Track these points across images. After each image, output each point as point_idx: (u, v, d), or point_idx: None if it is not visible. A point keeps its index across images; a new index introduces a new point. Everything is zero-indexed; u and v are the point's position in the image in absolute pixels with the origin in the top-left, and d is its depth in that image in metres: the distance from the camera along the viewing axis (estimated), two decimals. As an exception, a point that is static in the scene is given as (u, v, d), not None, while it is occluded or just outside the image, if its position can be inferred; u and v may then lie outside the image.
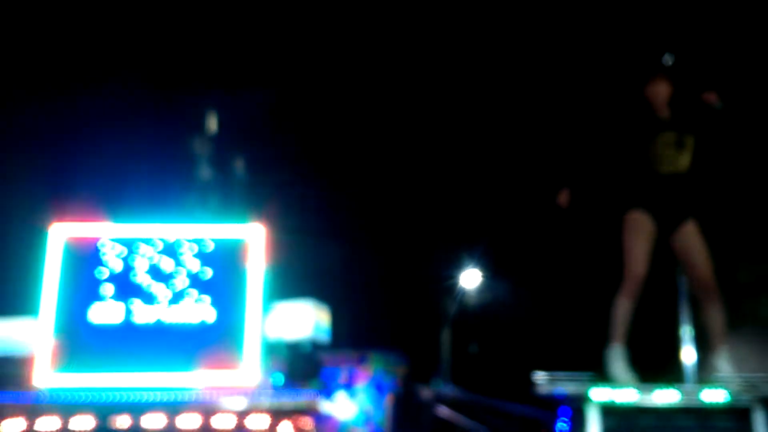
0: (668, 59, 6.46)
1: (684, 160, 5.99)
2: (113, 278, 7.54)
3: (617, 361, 5.81)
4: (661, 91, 6.06)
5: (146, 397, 6.92)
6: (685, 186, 6.00)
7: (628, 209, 6.01)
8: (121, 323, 7.42)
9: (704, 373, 6.09)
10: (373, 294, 16.91)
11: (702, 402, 5.66)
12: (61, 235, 7.62)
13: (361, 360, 13.01)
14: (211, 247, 7.74)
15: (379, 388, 12.65)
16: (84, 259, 7.58)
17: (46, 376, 7.22)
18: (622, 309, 5.88)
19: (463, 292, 18.40)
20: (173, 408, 6.87)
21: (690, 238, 5.95)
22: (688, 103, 6.08)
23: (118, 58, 11.39)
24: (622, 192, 6.16)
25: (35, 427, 6.75)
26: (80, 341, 7.35)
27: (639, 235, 5.93)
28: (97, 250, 7.63)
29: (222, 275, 7.68)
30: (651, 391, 5.69)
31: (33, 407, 6.82)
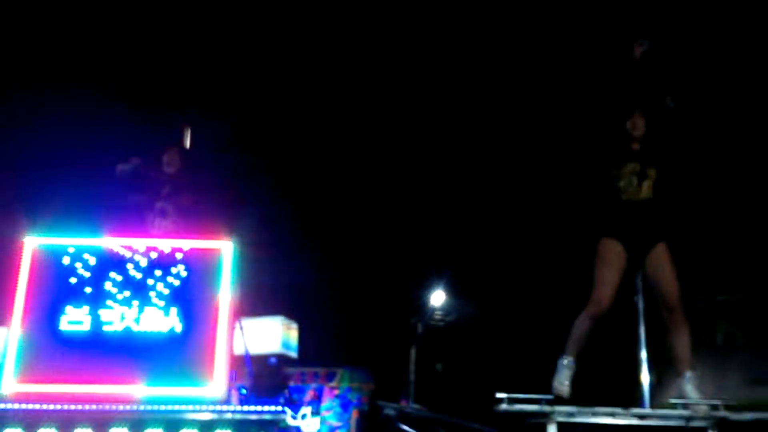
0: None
1: (645, 191, 6.18)
2: (83, 289, 7.55)
3: (563, 371, 5.99)
4: (639, 125, 6.25)
5: (111, 409, 6.93)
6: (650, 213, 6.18)
7: (600, 236, 6.20)
8: (89, 334, 7.42)
9: (663, 396, 6.26)
10: (341, 312, 16.94)
11: (658, 424, 5.82)
12: (32, 245, 7.63)
13: (329, 377, 13.05)
14: (181, 260, 7.78)
15: (344, 404, 12.69)
16: (55, 270, 7.58)
17: (11, 385, 7.20)
18: (582, 328, 6.07)
19: (432, 311, 18.50)
20: (137, 421, 6.89)
21: (659, 260, 6.15)
22: (659, 135, 6.29)
23: (91, 70, 11.42)
24: (593, 219, 6.35)
25: (-2, 437, 6.74)
26: (48, 351, 7.33)
27: (610, 264, 6.12)
28: (68, 261, 7.63)
29: (191, 288, 7.71)
30: (610, 412, 5.83)
31: (-3, 416, 6.80)
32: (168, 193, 8.56)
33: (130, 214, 8.42)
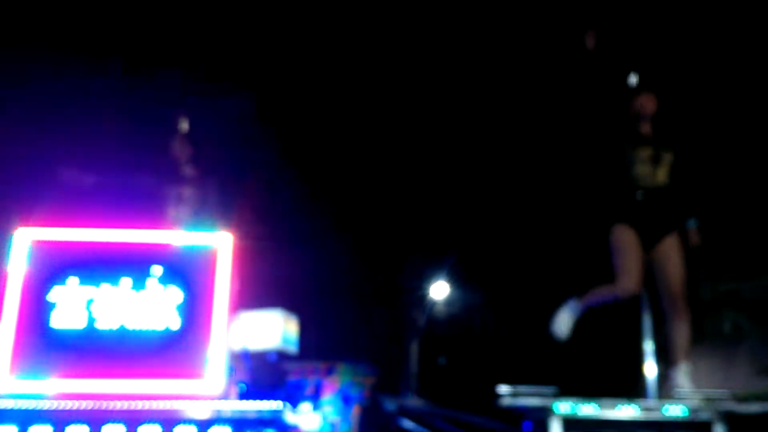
0: (633, 78, 6.55)
1: (661, 176, 6.08)
2: (77, 283, 7.44)
3: (567, 314, 5.85)
4: (648, 105, 6.16)
5: (106, 406, 6.82)
6: (665, 200, 6.09)
7: (612, 223, 6.08)
8: (83, 329, 7.31)
9: (665, 388, 6.16)
10: (342, 305, 16.86)
11: (663, 416, 5.73)
12: (25, 238, 7.51)
13: (329, 371, 12.96)
14: (178, 253, 7.66)
15: (345, 399, 12.59)
16: (48, 264, 7.46)
17: (5, 382, 7.09)
18: (604, 296, 5.91)
19: (432, 304, 18.44)
20: (134, 418, 6.79)
21: (669, 250, 6.05)
22: (670, 118, 6.19)
23: (91, 56, 11.29)
24: (605, 206, 6.25)
25: (-9, 436, 6.64)
26: (41, 347, 7.22)
27: (629, 249, 6.00)
28: (61, 255, 7.52)
29: (188, 283, 7.61)
30: (613, 404, 5.75)
31: (-10, 415, 6.70)
32: (188, 178, 8.46)
33: (143, 199, 8.31)
